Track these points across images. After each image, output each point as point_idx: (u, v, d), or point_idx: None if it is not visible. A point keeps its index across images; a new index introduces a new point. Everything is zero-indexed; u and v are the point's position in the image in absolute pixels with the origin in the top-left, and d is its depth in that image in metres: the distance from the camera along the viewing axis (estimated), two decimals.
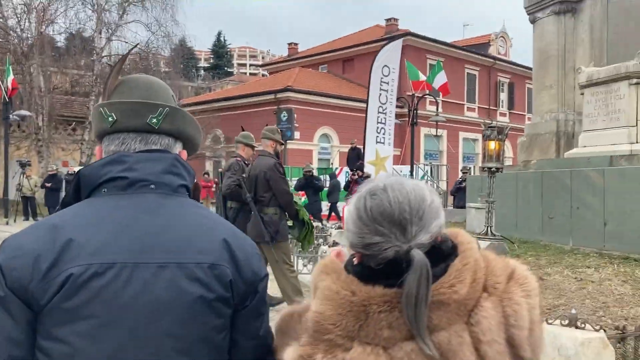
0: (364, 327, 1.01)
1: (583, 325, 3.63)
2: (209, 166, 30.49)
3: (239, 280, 1.18)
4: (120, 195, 1.18)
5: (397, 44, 15.34)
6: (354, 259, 1.11)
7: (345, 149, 23.14)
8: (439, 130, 29.04)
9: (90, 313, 1.05)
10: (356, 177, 14.59)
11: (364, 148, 14.41)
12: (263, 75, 49.73)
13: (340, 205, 15.62)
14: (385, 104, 14.53)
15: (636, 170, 7.08)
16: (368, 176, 13.18)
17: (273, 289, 5.48)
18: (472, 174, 24.36)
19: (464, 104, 35.67)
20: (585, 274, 6.06)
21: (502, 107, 38.38)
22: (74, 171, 20.31)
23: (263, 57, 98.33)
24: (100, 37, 25.91)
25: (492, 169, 7.58)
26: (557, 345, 3.56)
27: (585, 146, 8.40)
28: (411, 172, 18.04)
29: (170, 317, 1.09)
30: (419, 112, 19.39)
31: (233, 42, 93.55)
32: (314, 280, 1.13)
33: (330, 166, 24.93)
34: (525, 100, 36.51)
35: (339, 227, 10.06)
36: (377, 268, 1.05)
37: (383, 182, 1.11)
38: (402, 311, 1.00)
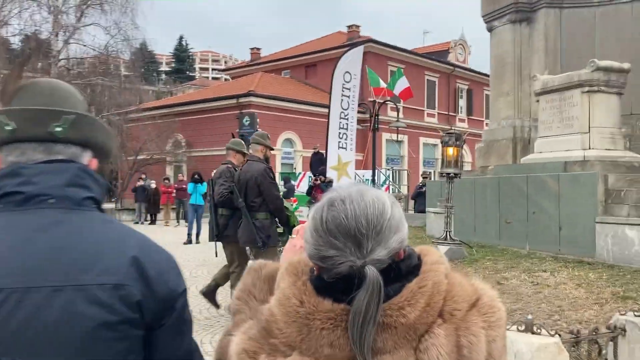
0: (305, 340, 0.97)
1: (539, 331, 3.68)
2: (169, 171, 30.05)
3: (150, 299, 1.10)
4: (15, 211, 1.09)
5: (359, 51, 15.45)
6: (314, 269, 1.06)
7: (308, 154, 23.16)
8: (400, 135, 29.40)
9: None
10: (318, 182, 14.59)
11: (326, 153, 14.45)
12: (225, 79, 49.38)
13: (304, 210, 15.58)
14: (347, 109, 14.60)
15: (589, 175, 7.28)
16: (330, 181, 13.21)
17: None
18: (432, 179, 24.70)
19: (424, 110, 36.20)
20: (541, 277, 6.18)
21: (461, 113, 39.11)
22: None
23: (226, 62, 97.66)
24: (57, 40, 25.30)
25: (451, 175, 7.69)
26: (514, 351, 3.61)
27: (541, 152, 8.60)
28: (373, 176, 18.17)
29: (64, 345, 1.01)
30: (380, 117, 19.57)
31: (195, 47, 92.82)
32: (278, 276, 1.09)
33: (294, 171, 24.90)
34: (483, 107, 37.26)
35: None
36: (329, 282, 1.00)
37: (344, 192, 1.04)
38: (346, 329, 0.96)
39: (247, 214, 5.81)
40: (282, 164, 28.26)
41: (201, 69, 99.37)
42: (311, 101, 29.41)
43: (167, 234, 17.25)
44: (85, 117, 1.21)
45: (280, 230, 6.27)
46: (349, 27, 35.29)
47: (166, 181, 22.46)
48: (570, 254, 7.19)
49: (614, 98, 8.04)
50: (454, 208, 8.25)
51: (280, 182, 18.51)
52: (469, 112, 39.30)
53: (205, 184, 15.40)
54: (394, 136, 28.28)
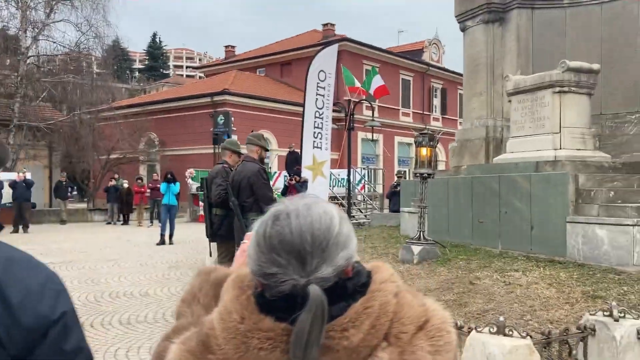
0: (242, 358, 0.92)
1: (511, 333, 3.69)
2: (142, 170, 29.66)
3: (13, 328, 0.95)
4: None
5: (333, 49, 15.39)
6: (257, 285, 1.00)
7: (284, 153, 23.07)
8: (375, 134, 29.48)
9: None
10: (294, 182, 14.53)
11: (301, 153, 14.38)
12: (200, 77, 48.95)
13: None
14: (322, 108, 14.54)
15: (559, 175, 7.35)
16: (305, 181, 13.16)
17: None
18: (407, 177, 24.79)
19: (399, 109, 36.39)
20: (513, 277, 6.22)
21: (436, 112, 39.43)
22: None
23: (200, 60, 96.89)
24: (26, 36, 24.76)
25: (424, 175, 7.70)
26: (485, 354, 3.61)
27: (513, 152, 8.67)
28: (348, 176, 18.16)
29: None
30: (355, 116, 19.56)
31: (169, 44, 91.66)
32: (224, 286, 1.03)
33: (269, 170, 24.75)
34: (458, 106, 37.61)
35: None
36: (271, 300, 0.95)
37: (291, 205, 0.99)
38: (285, 351, 0.90)
39: (239, 213, 5.84)
40: None
41: (175, 66, 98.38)
42: (287, 100, 29.33)
43: (140, 235, 17.02)
44: None
45: None
46: (324, 25, 35.31)
47: (139, 181, 22.16)
48: (541, 253, 7.26)
49: (584, 98, 8.14)
50: (428, 208, 8.28)
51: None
52: (444, 111, 39.64)
53: (178, 184, 15.23)
54: (370, 135, 28.35)
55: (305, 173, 13.54)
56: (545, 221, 7.35)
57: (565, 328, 4.05)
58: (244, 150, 6.80)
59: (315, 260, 0.94)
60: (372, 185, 25.30)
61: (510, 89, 8.75)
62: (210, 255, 6.56)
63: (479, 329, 3.76)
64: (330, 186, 17.13)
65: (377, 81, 16.63)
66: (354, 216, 17.64)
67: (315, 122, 14.25)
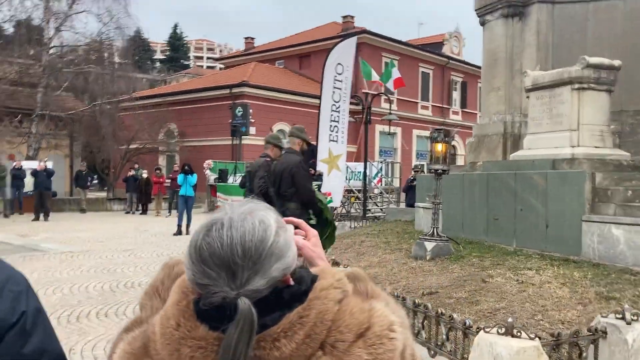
0: None
1: (519, 334, 3.67)
2: (162, 161, 29.92)
3: None
4: None
5: (351, 42, 15.33)
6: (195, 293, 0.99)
7: None
8: (393, 127, 29.34)
9: None
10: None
11: (316, 146, 14.38)
12: (220, 69, 49.13)
13: None
14: (338, 102, 14.51)
15: (576, 174, 7.26)
16: (320, 174, 13.16)
17: None
18: (424, 171, 24.66)
19: (417, 102, 36.15)
20: (526, 276, 6.17)
21: (455, 105, 39.10)
22: (21, 165, 19.72)
23: (221, 51, 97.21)
24: (49, 27, 25.06)
25: (439, 171, 7.65)
26: (493, 354, 3.59)
27: (530, 149, 8.57)
28: (365, 169, 18.14)
29: None
30: (374, 109, 19.49)
31: (190, 35, 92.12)
32: (172, 289, 1.02)
33: None
34: (477, 99, 37.20)
35: None
36: (204, 309, 0.94)
37: (227, 215, 0.97)
38: None
39: (277, 203, 6.01)
40: None
41: (196, 57, 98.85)
42: (305, 92, 29.29)
43: (157, 225, 17.20)
44: None
45: (313, 222, 6.40)
46: (343, 17, 35.16)
47: (157, 171, 22.37)
48: (556, 251, 7.18)
49: (603, 95, 8.00)
50: (443, 204, 8.23)
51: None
52: (463, 104, 39.28)
53: (195, 175, 15.34)
54: (388, 128, 28.23)
55: (321, 166, 13.54)
56: (560, 219, 7.27)
57: (575, 330, 4.01)
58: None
59: (247, 272, 0.93)
60: (389, 179, 25.22)
61: (529, 84, 8.63)
62: None
63: (487, 329, 3.74)
64: (346, 179, 17.13)
65: (395, 74, 16.53)
66: (369, 210, 17.61)
67: (331, 115, 14.23)
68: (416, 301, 4.72)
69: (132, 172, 22.69)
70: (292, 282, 0.98)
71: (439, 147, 7.63)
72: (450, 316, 4.26)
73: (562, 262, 6.69)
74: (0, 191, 18.41)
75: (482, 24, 11.48)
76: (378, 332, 0.95)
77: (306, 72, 33.07)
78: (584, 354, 3.90)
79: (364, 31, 31.70)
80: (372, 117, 18.09)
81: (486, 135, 11.08)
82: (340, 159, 13.98)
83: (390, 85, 16.69)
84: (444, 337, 4.24)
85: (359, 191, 18.82)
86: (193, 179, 15.08)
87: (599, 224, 6.80)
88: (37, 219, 17.67)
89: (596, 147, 7.86)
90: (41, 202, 18.06)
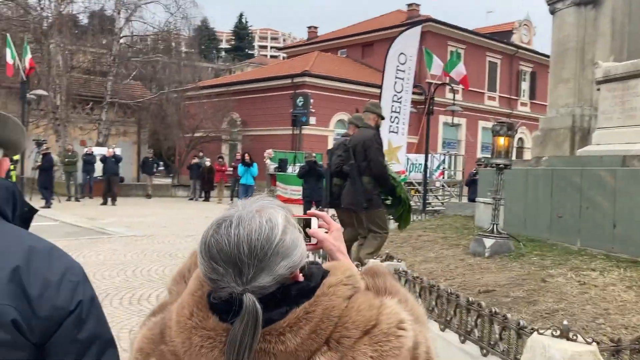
0: (187, 354, 0.96)
1: (575, 337, 3.51)
2: (225, 149, 30.53)
3: (31, 317, 1.01)
4: None
5: (415, 31, 15.09)
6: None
7: None
8: (458, 119, 28.71)
9: None
10: None
11: None
12: (283, 58, 49.55)
13: None
14: (400, 92, 14.34)
15: None
16: None
17: None
18: (488, 165, 23.93)
19: (484, 93, 35.19)
20: (589, 277, 5.91)
21: (524, 96, 37.80)
22: (91, 151, 20.64)
23: (284, 40, 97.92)
24: (120, 17, 25.99)
25: (500, 166, 7.42)
26: (546, 357, 3.46)
27: (599, 144, 8.17)
28: (425, 161, 17.85)
29: None
30: (438, 99, 19.13)
31: (255, 24, 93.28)
32: (192, 276, 1.07)
33: None
34: (547, 91, 35.87)
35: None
36: (213, 302, 0.99)
37: (237, 212, 1.01)
38: (222, 351, 0.94)
39: (356, 175, 6.17)
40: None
41: (260, 46, 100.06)
42: (367, 82, 29.07)
43: (219, 212, 17.54)
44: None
45: (388, 202, 6.51)
46: (408, 5, 34.61)
47: (220, 159, 22.84)
48: (623, 252, 6.83)
49: None
50: (505, 199, 7.99)
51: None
52: (532, 96, 37.89)
53: (255, 165, 15.57)
54: (452, 119, 27.64)
55: None
56: (629, 219, 6.89)
57: (638, 336, 3.81)
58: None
59: (252, 269, 0.95)
60: (452, 172, 24.71)
61: (600, 76, 8.22)
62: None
63: (541, 331, 3.61)
64: (406, 171, 16.92)
65: (460, 69, 16.11)
66: (429, 203, 17.34)
67: (392, 106, 14.09)
68: (470, 299, 4.61)
69: (195, 160, 23.28)
70: (301, 278, 1.01)
71: (501, 140, 7.39)
72: (504, 315, 4.14)
73: (629, 264, 6.36)
74: (72, 176, 19.31)
75: (552, 12, 11.02)
76: (385, 329, 0.96)
77: (369, 62, 32.80)
78: None
79: (429, 19, 31.12)
80: (435, 108, 17.77)
81: (553, 129, 10.66)
82: (400, 150, 13.83)
83: (454, 74, 16.29)
84: (497, 336, 4.13)
85: (419, 184, 18.55)
86: (255, 169, 15.31)
87: None
88: (104, 203, 18.44)
89: None
90: (109, 187, 18.82)
